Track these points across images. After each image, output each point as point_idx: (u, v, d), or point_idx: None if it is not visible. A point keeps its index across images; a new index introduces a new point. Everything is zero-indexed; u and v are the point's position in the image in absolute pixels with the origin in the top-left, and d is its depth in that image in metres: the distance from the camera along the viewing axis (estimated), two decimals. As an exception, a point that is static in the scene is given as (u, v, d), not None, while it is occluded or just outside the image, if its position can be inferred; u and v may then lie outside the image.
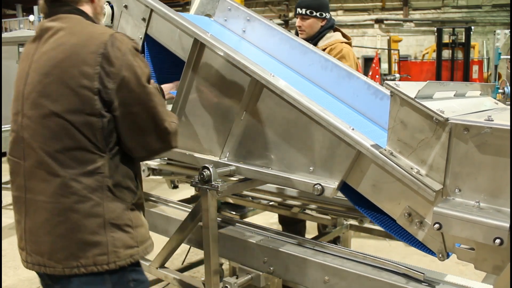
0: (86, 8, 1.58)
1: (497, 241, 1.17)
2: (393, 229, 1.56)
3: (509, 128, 1.23)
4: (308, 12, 2.97)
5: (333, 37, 3.02)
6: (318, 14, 2.98)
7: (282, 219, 3.26)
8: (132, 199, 1.53)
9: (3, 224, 3.91)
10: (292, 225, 3.05)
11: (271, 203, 2.76)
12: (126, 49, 1.44)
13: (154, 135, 1.52)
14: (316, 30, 3.01)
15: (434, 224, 1.28)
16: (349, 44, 3.02)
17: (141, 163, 2.77)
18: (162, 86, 1.96)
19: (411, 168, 1.40)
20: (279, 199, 2.62)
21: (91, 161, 1.42)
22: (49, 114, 1.41)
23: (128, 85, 1.42)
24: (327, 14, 3.04)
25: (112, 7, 2.21)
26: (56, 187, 1.41)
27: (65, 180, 1.41)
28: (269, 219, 3.34)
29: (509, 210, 1.24)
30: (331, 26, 3.07)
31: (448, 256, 1.43)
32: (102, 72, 1.40)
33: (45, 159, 1.42)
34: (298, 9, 3.02)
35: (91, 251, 1.43)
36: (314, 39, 3.00)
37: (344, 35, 3.07)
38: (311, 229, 3.33)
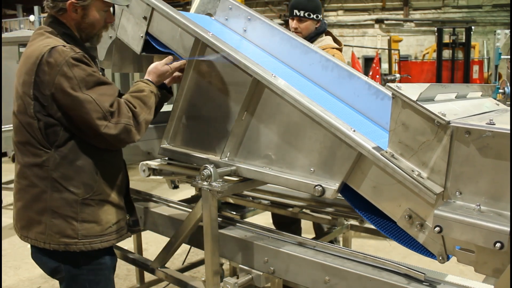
0: (64, 17, 1.75)
1: (498, 245, 1.16)
2: (393, 233, 1.56)
3: (510, 131, 1.22)
4: (306, 14, 2.99)
5: (324, 41, 3.04)
6: (314, 16, 3.01)
7: (276, 221, 3.25)
8: (85, 193, 1.70)
9: (3, 224, 3.91)
10: (286, 227, 3.02)
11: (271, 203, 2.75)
12: (62, 60, 1.59)
13: (94, 137, 1.67)
14: (311, 31, 3.03)
15: (435, 227, 1.28)
16: (340, 50, 3.02)
17: (141, 163, 2.80)
18: (151, 66, 1.90)
19: (412, 171, 1.40)
20: (279, 199, 2.61)
21: (38, 155, 1.67)
22: (13, 112, 1.71)
23: (60, 93, 1.59)
24: (321, 16, 3.08)
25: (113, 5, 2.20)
26: (19, 171, 1.73)
27: (22, 167, 1.71)
28: (269, 219, 3.33)
29: (509, 213, 1.24)
30: (324, 30, 3.09)
31: (448, 258, 1.43)
32: (38, 80, 1.60)
33: (14, 148, 1.74)
34: (296, 11, 3.01)
35: (35, 227, 1.70)
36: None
37: (335, 40, 3.08)
38: (310, 229, 3.33)
